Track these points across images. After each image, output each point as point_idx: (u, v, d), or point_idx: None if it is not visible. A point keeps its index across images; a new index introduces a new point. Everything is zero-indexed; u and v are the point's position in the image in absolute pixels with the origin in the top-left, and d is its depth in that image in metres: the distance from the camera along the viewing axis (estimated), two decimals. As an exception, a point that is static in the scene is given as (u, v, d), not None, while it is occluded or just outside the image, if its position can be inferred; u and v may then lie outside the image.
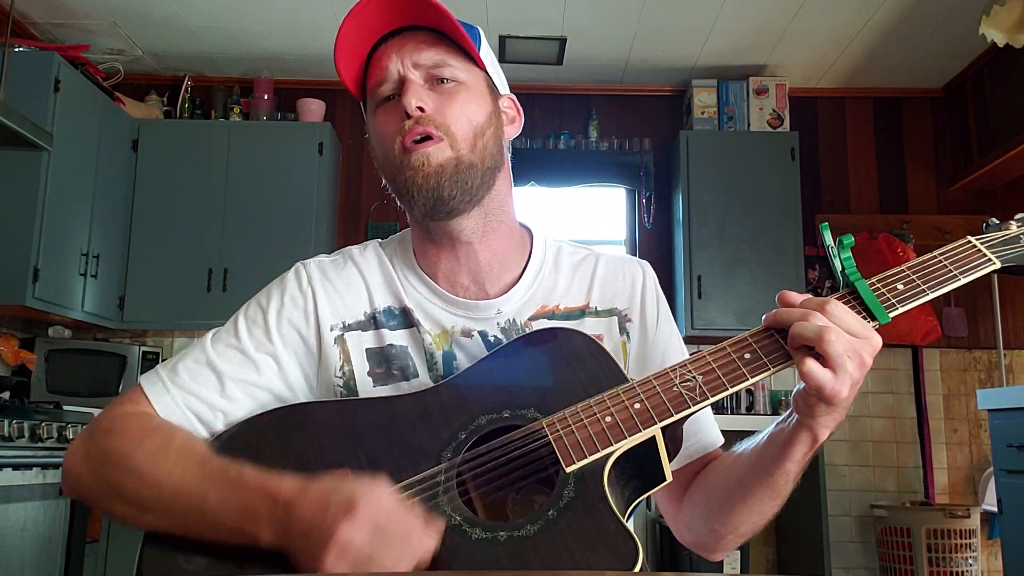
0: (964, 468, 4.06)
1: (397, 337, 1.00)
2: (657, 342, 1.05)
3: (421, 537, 0.75)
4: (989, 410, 2.82)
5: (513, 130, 1.06)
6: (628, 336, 1.05)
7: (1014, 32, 3.04)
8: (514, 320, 1.01)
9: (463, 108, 0.97)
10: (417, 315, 1.01)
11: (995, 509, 2.86)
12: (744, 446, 0.96)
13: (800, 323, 0.79)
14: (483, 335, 1.00)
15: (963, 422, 4.10)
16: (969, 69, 4.08)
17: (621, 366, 0.91)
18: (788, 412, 0.89)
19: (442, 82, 0.97)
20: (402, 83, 0.97)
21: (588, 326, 1.02)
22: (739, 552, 3.45)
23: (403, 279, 1.04)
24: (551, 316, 1.03)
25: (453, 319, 1.01)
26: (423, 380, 0.98)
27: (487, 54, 1.03)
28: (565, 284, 1.06)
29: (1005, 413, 2.73)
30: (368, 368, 0.99)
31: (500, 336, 1.01)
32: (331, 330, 1.00)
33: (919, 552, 3.53)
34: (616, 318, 1.05)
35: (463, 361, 0.99)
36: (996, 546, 3.81)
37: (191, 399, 0.93)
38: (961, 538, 3.52)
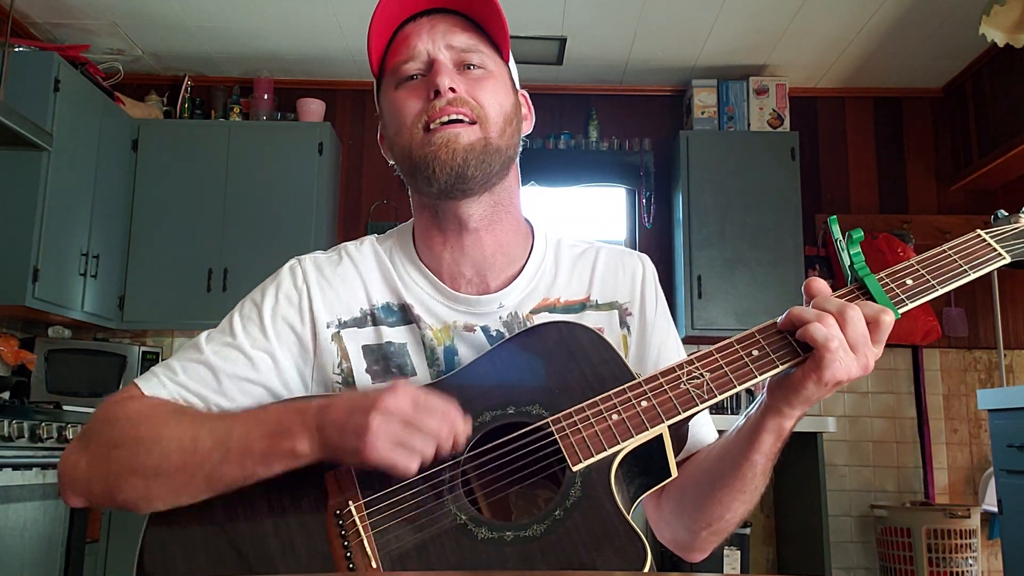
0: (964, 468, 4.06)
1: (396, 334, 0.99)
2: (654, 336, 1.04)
3: (457, 413, 0.80)
4: (989, 410, 2.82)
5: (527, 126, 1.06)
6: (628, 330, 1.04)
7: (1014, 32, 3.04)
8: (516, 313, 1.00)
9: (494, 94, 0.96)
10: (417, 311, 0.99)
11: (995, 509, 2.86)
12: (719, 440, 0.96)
13: (813, 325, 0.80)
14: (485, 330, 0.99)
15: (963, 422, 4.09)
16: (969, 69, 4.08)
17: (625, 360, 0.90)
18: (755, 402, 0.88)
19: (469, 68, 0.96)
20: (430, 64, 0.95)
21: (589, 319, 1.01)
22: (739, 552, 3.44)
23: (403, 274, 1.02)
24: (552, 309, 1.02)
25: (455, 315, 0.99)
26: (421, 377, 0.97)
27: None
28: (565, 278, 1.04)
29: (1005, 413, 2.73)
30: (366, 365, 0.97)
31: (503, 330, 0.99)
32: (327, 327, 0.98)
33: (919, 552, 3.53)
34: (617, 312, 1.04)
35: (465, 355, 0.97)
36: (996, 546, 3.81)
37: (187, 394, 0.92)
38: (961, 538, 3.52)
